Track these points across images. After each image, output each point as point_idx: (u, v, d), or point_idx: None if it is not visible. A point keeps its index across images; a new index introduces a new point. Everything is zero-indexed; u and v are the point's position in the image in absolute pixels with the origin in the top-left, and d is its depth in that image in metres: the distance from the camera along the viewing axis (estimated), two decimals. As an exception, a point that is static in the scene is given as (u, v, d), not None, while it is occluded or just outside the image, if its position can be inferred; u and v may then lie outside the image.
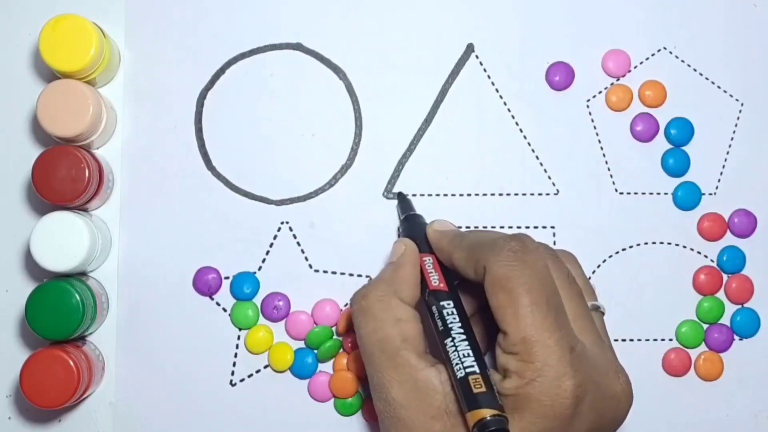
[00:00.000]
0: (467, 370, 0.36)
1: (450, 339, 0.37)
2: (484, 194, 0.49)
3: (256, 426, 0.47)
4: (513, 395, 0.35)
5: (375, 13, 0.50)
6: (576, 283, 0.39)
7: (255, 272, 0.48)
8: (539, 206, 0.49)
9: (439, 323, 0.39)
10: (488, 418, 0.34)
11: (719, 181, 0.50)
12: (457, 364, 0.36)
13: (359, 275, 0.48)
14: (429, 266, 0.41)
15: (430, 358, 0.38)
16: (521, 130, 0.50)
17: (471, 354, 0.37)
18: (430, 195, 0.49)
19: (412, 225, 0.45)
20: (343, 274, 0.48)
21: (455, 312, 0.39)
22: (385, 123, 0.49)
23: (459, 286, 0.41)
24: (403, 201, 0.47)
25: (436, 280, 0.40)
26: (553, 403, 0.35)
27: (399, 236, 0.47)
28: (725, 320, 0.49)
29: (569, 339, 0.36)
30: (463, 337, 0.37)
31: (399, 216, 0.47)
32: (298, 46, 0.49)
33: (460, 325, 0.38)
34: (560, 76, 0.50)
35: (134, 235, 0.48)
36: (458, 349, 0.37)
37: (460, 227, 0.49)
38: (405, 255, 0.42)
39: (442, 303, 0.39)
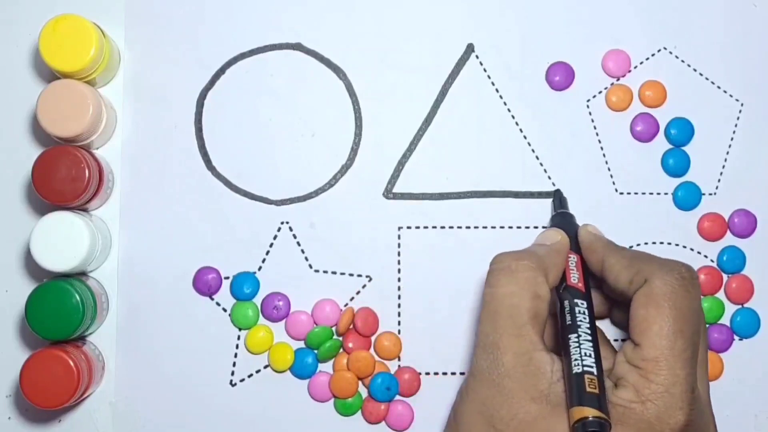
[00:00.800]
0: (585, 368, 0.37)
1: (576, 335, 0.38)
2: (484, 194, 0.49)
3: (256, 426, 0.47)
4: (622, 407, 0.36)
5: (375, 13, 0.50)
6: (706, 334, 0.41)
7: (255, 272, 0.48)
8: (539, 206, 0.49)
9: (568, 318, 0.39)
10: (591, 418, 0.35)
11: (719, 181, 0.50)
12: (576, 360, 0.37)
13: (359, 275, 0.48)
14: (572, 264, 0.42)
15: (545, 344, 0.39)
16: (521, 130, 0.50)
17: (593, 355, 0.37)
18: (430, 195, 0.49)
19: (564, 221, 0.46)
20: (343, 274, 0.48)
21: (587, 312, 0.39)
22: (385, 123, 0.49)
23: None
24: (560, 197, 0.48)
25: (576, 278, 0.41)
26: (661, 430, 0.35)
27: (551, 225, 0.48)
28: (725, 320, 0.49)
29: (693, 379, 0.36)
30: (589, 337, 0.38)
31: (552, 209, 0.48)
32: (298, 46, 0.49)
33: (588, 325, 0.39)
34: (560, 76, 0.50)
35: (134, 235, 0.48)
36: (582, 347, 0.38)
37: (460, 227, 0.49)
38: (560, 243, 0.43)
39: (576, 300, 0.40)
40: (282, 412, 0.47)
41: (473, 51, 0.50)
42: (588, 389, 0.36)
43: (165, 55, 0.49)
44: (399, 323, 0.48)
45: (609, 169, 0.50)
